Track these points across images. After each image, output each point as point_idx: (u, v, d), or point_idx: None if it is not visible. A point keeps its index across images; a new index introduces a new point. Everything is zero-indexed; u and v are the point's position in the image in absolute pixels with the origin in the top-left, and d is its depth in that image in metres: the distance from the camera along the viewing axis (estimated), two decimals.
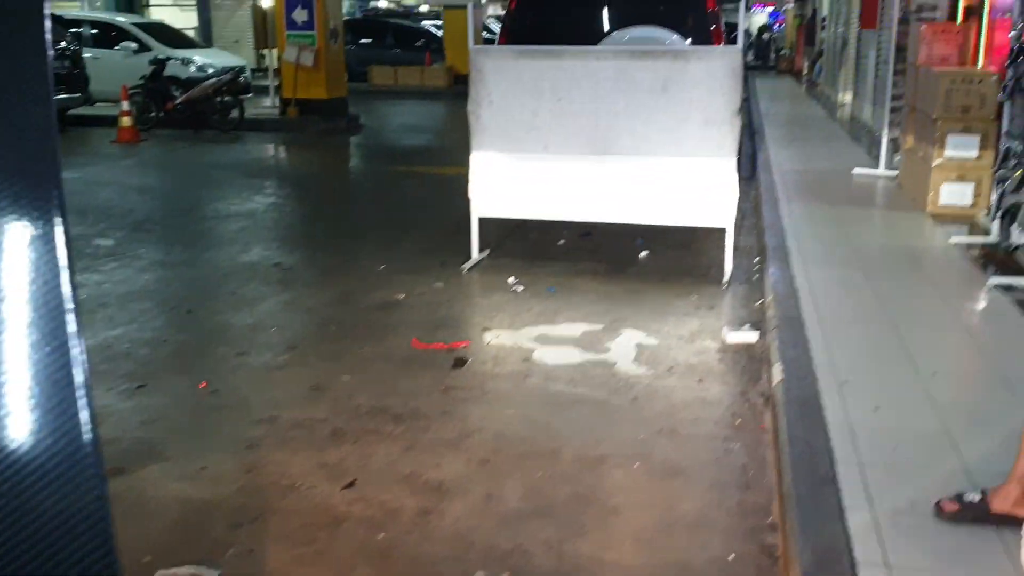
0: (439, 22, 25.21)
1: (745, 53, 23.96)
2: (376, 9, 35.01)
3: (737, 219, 7.62)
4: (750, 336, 5.00)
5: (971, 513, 2.86)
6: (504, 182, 6.26)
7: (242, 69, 16.07)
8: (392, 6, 37.44)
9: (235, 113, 14.26)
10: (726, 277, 6.11)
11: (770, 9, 43.13)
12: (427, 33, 25.12)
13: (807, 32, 24.59)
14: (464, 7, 21.46)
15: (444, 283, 6.11)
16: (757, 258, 6.58)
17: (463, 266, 6.39)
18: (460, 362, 4.73)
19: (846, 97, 16.53)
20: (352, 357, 4.83)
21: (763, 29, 37.96)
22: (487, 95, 6.11)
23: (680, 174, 5.97)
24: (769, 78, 25.89)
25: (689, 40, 6.84)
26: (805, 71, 24.24)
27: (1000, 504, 2.83)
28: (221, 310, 5.70)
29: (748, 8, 44.65)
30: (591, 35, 6.65)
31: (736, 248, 6.73)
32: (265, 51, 17.12)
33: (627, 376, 4.55)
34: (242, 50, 22.57)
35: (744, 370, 4.61)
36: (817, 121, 14.92)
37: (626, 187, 6.08)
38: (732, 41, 6.03)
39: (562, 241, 7.20)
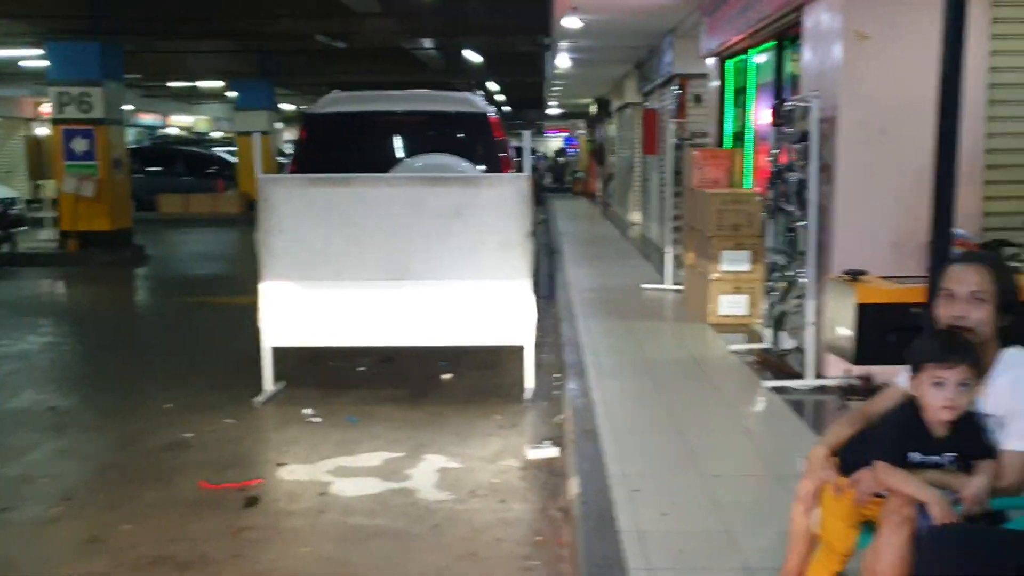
0: (233, 148, 25.01)
1: (542, 176, 25.03)
2: (166, 136, 34.24)
3: (538, 337, 7.84)
4: (551, 452, 5.06)
5: None
6: (297, 310, 6.15)
7: (12, 201, 15.14)
8: (184, 133, 36.79)
9: (5, 247, 13.36)
10: (528, 395, 6.21)
11: (564, 134, 45.93)
12: (219, 160, 24.80)
13: (598, 156, 26.22)
14: (262, 134, 21.42)
15: (236, 419, 5.84)
16: (557, 374, 6.74)
17: (256, 400, 6.15)
18: (252, 501, 4.49)
19: (636, 217, 17.61)
20: (134, 504, 4.49)
21: (559, 153, 40.24)
22: (277, 223, 6.05)
23: (477, 296, 6.08)
24: (566, 199, 27.27)
25: (481, 167, 7.10)
26: (599, 193, 25.71)
27: None
28: None
29: (541, 133, 47.00)
30: (383, 163, 6.78)
31: (538, 365, 6.89)
32: (41, 182, 16.25)
33: (428, 503, 4.47)
34: (14, 181, 21.31)
35: (545, 486, 4.64)
36: (611, 240, 15.76)
37: (424, 311, 6.12)
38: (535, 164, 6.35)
39: (362, 368, 7.11)
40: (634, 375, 6.31)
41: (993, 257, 2.92)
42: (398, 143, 7.32)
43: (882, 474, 2.61)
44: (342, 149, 7.12)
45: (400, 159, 7.07)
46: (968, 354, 2.59)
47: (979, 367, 2.63)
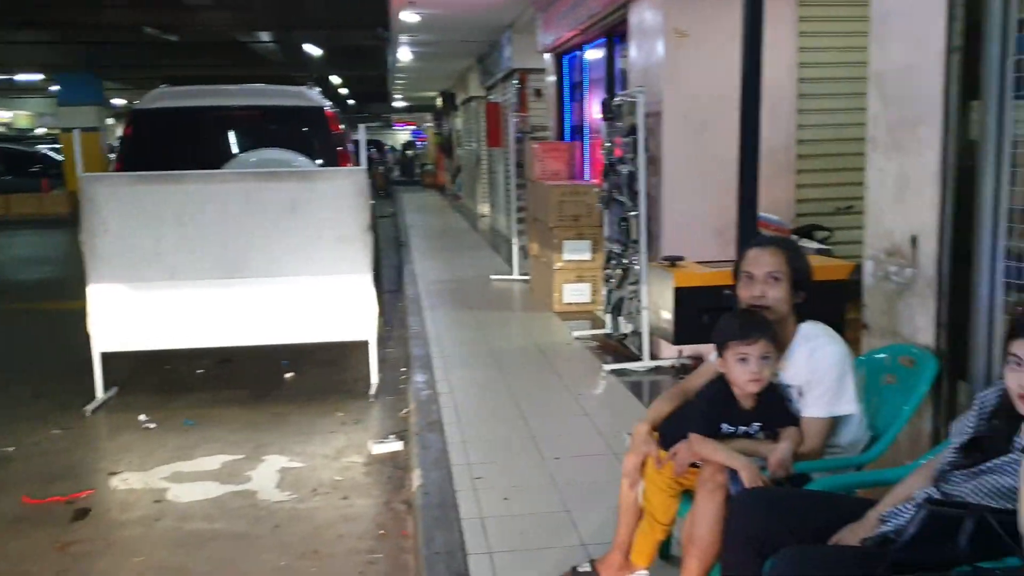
0: (57, 146, 23.61)
1: (390, 170, 24.75)
2: None
3: (385, 330, 7.84)
4: (395, 446, 5.08)
5: None
6: (129, 313, 5.90)
7: None
8: (2, 130, 34.37)
9: None
10: (373, 390, 6.20)
11: (412, 128, 45.75)
12: (43, 158, 23.33)
13: (446, 148, 26.28)
14: (88, 130, 20.34)
15: (64, 429, 5.57)
16: (404, 368, 6.76)
17: (86, 408, 5.87)
18: (81, 514, 4.31)
19: (484, 209, 17.79)
20: None
21: (407, 146, 40.05)
22: (102, 224, 5.79)
23: (317, 292, 6.01)
24: (415, 192, 27.21)
25: (318, 162, 7.01)
26: (448, 185, 25.79)
27: (607, 572, 3.10)
28: None
29: (390, 127, 46.56)
30: (215, 159, 6.58)
31: (384, 360, 6.90)
32: None
33: (269, 504, 4.41)
34: None
35: (389, 480, 4.67)
36: (460, 232, 15.87)
37: (263, 309, 6.00)
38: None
39: (200, 370, 6.91)
40: (480, 365, 6.40)
41: (786, 241, 3.17)
42: (231, 139, 7.12)
43: (696, 445, 2.79)
44: (171, 146, 6.87)
45: (233, 155, 6.89)
46: (766, 330, 2.80)
47: (778, 342, 2.85)
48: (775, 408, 2.87)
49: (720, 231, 5.98)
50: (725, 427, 2.83)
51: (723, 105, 5.72)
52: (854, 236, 4.66)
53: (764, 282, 2.92)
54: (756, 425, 2.85)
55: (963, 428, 2.41)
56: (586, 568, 3.15)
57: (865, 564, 2.12)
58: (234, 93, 7.35)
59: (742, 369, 2.79)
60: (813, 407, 2.86)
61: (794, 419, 2.86)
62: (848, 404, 2.86)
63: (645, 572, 3.04)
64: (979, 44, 2.95)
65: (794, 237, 5.44)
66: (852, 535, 2.36)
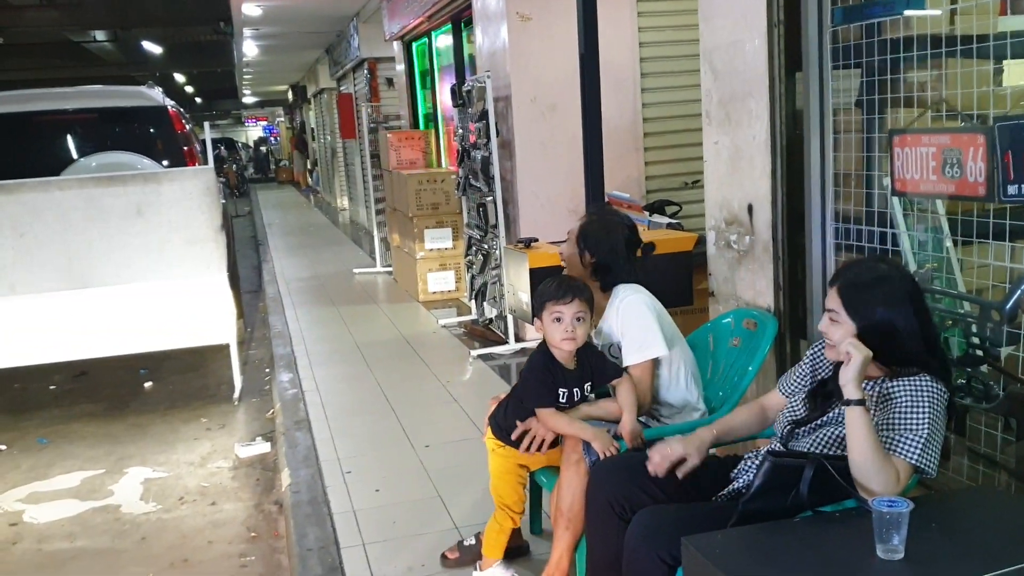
0: None
1: (244, 167, 23.93)
2: None
3: (247, 332, 7.67)
4: (262, 447, 5.00)
5: (470, 555, 3.20)
6: None
7: None
8: None
9: None
10: (236, 393, 6.06)
11: (264, 123, 44.55)
12: None
13: (299, 143, 25.75)
14: None
15: None
16: (268, 368, 6.64)
17: None
18: None
19: (344, 202, 17.55)
20: None
21: (260, 142, 39.02)
22: None
23: (170, 296, 5.81)
24: (272, 189, 26.58)
25: (164, 163, 6.76)
26: (307, 180, 25.30)
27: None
28: None
29: (241, 123, 45.18)
30: (53, 166, 6.24)
31: (247, 362, 6.76)
32: None
33: (134, 516, 4.27)
34: None
35: (258, 482, 4.59)
36: (320, 228, 15.62)
37: (114, 318, 5.75)
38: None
39: (52, 386, 6.58)
40: (346, 360, 6.36)
41: (598, 208, 3.36)
42: (68, 144, 6.77)
43: (546, 419, 2.86)
44: (3, 154, 6.48)
45: (72, 160, 6.56)
46: (581, 292, 2.89)
47: (591, 302, 2.94)
48: (597, 364, 2.95)
49: (574, 211, 6.12)
50: (561, 392, 2.89)
51: (570, 86, 5.85)
52: (702, 210, 4.88)
53: (568, 239, 3.19)
54: (587, 385, 2.94)
55: (798, 382, 2.59)
56: (471, 541, 3.24)
57: (718, 517, 2.25)
58: (69, 96, 6.99)
59: (557, 328, 2.84)
60: (628, 356, 2.99)
61: (617, 371, 2.97)
62: (658, 347, 2.97)
63: (501, 564, 3.10)
64: (799, 18, 3.15)
65: (646, 213, 5.64)
66: (666, 449, 2.52)
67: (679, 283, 4.28)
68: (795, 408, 2.53)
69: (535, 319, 2.96)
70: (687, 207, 6.13)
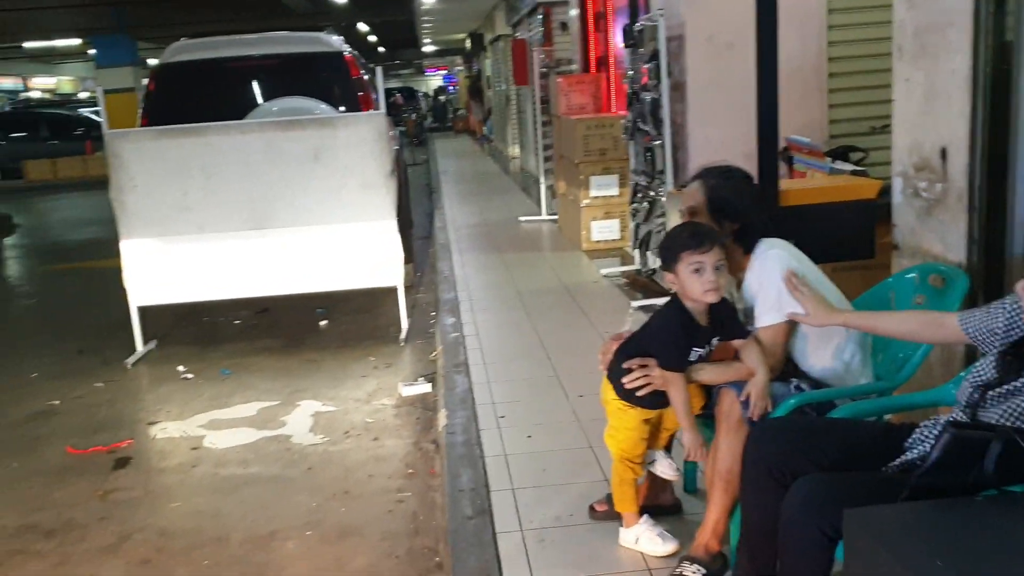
0: (99, 108, 23.88)
1: (423, 116, 24.46)
2: (28, 100, 32.36)
3: (416, 276, 7.85)
4: (423, 388, 5.10)
5: None
6: (161, 267, 5.96)
7: None
8: (47, 96, 34.83)
9: None
10: (403, 334, 6.21)
11: (443, 73, 45.33)
12: (86, 121, 23.59)
13: (476, 91, 26.00)
14: (125, 91, 20.48)
15: (105, 382, 5.68)
16: (433, 312, 6.77)
17: (127, 361, 5.98)
18: (122, 463, 4.42)
19: (515, 150, 17.61)
20: None
21: (439, 92, 39.73)
22: (129, 180, 5.83)
23: (343, 239, 6.01)
24: (448, 138, 27.05)
25: (340, 109, 6.94)
26: (481, 129, 25.58)
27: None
28: None
29: (422, 72, 46.16)
30: (237, 109, 6.54)
31: (415, 305, 6.92)
32: None
33: (302, 447, 4.47)
34: None
35: (418, 421, 4.70)
36: (491, 176, 15.77)
37: (291, 258, 6.01)
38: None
39: (237, 321, 6.99)
40: (507, 307, 6.39)
41: (714, 171, 2.93)
42: (252, 89, 7.07)
43: (670, 383, 2.72)
44: (194, 98, 6.84)
45: (255, 105, 6.85)
46: (716, 238, 2.69)
47: (727, 252, 2.73)
48: (728, 320, 2.76)
49: (749, 155, 5.76)
50: (694, 352, 2.73)
51: (750, 23, 5.54)
52: (890, 157, 4.51)
53: (686, 217, 2.87)
54: (715, 339, 2.77)
55: (987, 335, 2.30)
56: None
57: (887, 490, 2.06)
58: (253, 42, 7.28)
59: (697, 280, 2.65)
60: (761, 316, 2.76)
61: (745, 332, 2.76)
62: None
63: (648, 520, 2.98)
64: None
65: (828, 160, 5.28)
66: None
67: (860, 235, 3.97)
68: (983, 369, 2.27)
69: (666, 272, 2.75)
70: (875, 154, 5.69)
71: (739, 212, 2.82)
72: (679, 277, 2.69)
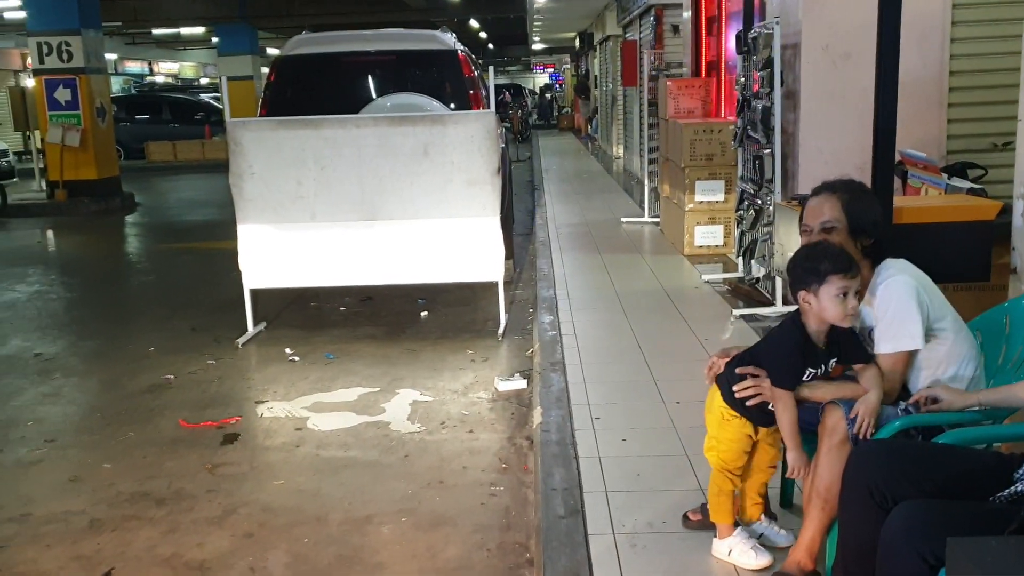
0: (219, 94, 24.85)
1: (528, 114, 24.64)
2: (152, 84, 34.00)
3: (516, 273, 7.94)
4: (519, 384, 5.17)
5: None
6: (274, 252, 6.21)
7: (3, 152, 15.17)
8: (170, 80, 36.48)
9: None
10: (501, 329, 6.31)
11: (550, 71, 45.43)
12: (206, 106, 24.61)
13: (582, 90, 25.99)
14: (244, 78, 21.24)
15: (217, 360, 5.95)
16: (531, 309, 6.84)
17: (238, 340, 6.26)
18: (230, 438, 4.62)
19: (619, 151, 17.56)
20: (115, 444, 4.62)
21: (545, 89, 39.83)
22: (248, 167, 6.08)
23: (448, 234, 6.14)
24: (552, 136, 27.12)
25: (451, 106, 7.09)
26: (586, 128, 25.56)
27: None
28: None
29: (529, 70, 46.38)
30: (353, 103, 6.76)
31: (513, 301, 7.01)
32: (30, 133, 16.27)
33: (400, 434, 4.59)
34: (4, 133, 21.23)
35: (513, 416, 4.77)
36: (594, 175, 15.76)
37: (397, 249, 6.18)
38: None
39: (342, 308, 7.21)
40: (606, 308, 6.40)
41: (847, 185, 2.87)
42: (368, 83, 7.29)
43: (778, 401, 2.71)
44: (311, 91, 7.10)
45: (370, 99, 7.05)
46: (857, 264, 2.66)
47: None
48: (847, 345, 2.72)
49: (861, 168, 5.66)
50: (809, 372, 2.71)
51: (868, 34, 5.41)
52: (1011, 175, 4.35)
53: (819, 234, 2.79)
54: (832, 361, 2.74)
55: None
56: None
57: (994, 520, 2.02)
58: (370, 38, 7.50)
59: (840, 305, 2.61)
60: (879, 343, 2.72)
61: (869, 357, 2.71)
62: (909, 340, 2.66)
63: (743, 531, 2.96)
64: None
65: (944, 176, 5.12)
66: None
67: (975, 256, 3.85)
68: None
69: (802, 291, 2.70)
70: (994, 172, 5.49)
71: (873, 226, 2.79)
72: (819, 298, 2.65)
